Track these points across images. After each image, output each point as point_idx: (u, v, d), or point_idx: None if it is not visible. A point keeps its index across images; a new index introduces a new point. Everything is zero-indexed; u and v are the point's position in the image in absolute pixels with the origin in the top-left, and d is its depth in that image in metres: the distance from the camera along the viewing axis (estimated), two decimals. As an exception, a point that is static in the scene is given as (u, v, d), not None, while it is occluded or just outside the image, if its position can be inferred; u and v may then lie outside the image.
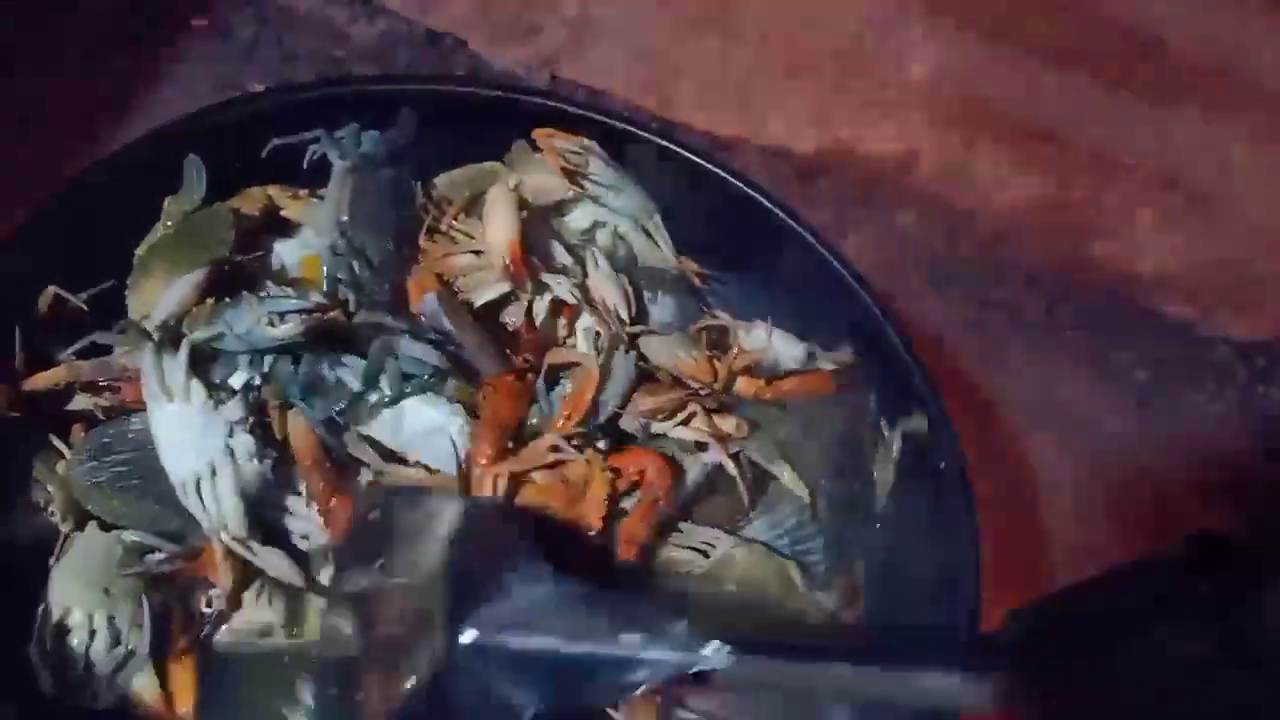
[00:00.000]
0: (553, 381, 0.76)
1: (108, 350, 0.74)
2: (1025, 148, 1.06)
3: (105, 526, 0.71)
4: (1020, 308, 1.05)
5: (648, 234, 0.85)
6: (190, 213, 0.78)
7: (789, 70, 1.05)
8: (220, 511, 0.69)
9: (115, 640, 0.68)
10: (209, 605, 0.70)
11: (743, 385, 0.78)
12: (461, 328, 0.74)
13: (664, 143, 0.84)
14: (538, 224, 0.82)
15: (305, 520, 0.73)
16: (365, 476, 0.74)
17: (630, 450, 0.75)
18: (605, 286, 0.80)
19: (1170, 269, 1.06)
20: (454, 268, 0.78)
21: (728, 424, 0.76)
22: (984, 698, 0.53)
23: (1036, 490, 0.98)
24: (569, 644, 0.57)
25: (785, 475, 0.76)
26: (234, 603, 0.70)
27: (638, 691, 0.57)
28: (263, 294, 0.74)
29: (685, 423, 0.76)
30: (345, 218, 0.78)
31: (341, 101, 0.82)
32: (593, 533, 0.70)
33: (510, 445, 0.72)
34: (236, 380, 0.71)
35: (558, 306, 0.79)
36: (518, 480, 0.72)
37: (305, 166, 0.80)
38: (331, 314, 0.73)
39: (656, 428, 0.76)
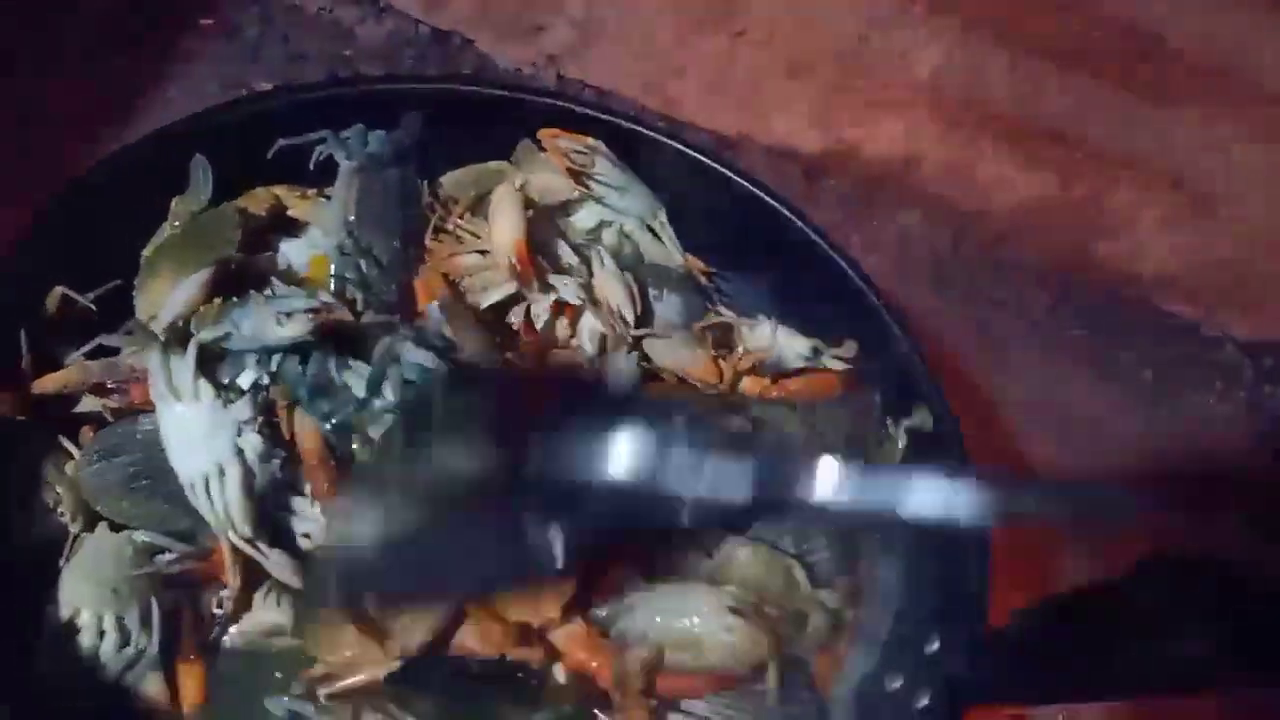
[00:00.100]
0: (555, 384, 0.76)
1: (115, 351, 0.74)
2: (1028, 148, 1.06)
3: (115, 527, 0.71)
4: (1023, 307, 1.06)
5: (653, 233, 0.85)
6: (197, 213, 0.78)
7: (793, 70, 1.05)
8: (228, 511, 0.69)
9: (124, 641, 0.68)
10: (219, 606, 0.71)
11: (748, 385, 0.78)
12: (464, 337, 0.75)
13: (670, 142, 0.84)
14: (543, 224, 0.82)
15: (309, 520, 0.73)
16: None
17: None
18: (610, 287, 0.80)
19: (1172, 269, 1.06)
20: (460, 268, 0.78)
21: (732, 424, 0.76)
22: None
23: (1039, 488, 0.98)
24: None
25: (790, 475, 0.76)
26: (243, 603, 0.71)
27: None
28: (270, 293, 0.75)
29: (690, 423, 0.76)
30: (352, 217, 0.78)
31: (348, 101, 0.82)
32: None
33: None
34: (245, 380, 0.71)
35: (561, 307, 0.79)
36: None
37: (312, 167, 0.81)
38: (339, 313, 0.73)
39: (661, 428, 0.77)
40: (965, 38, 1.07)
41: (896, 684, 0.70)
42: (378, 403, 0.72)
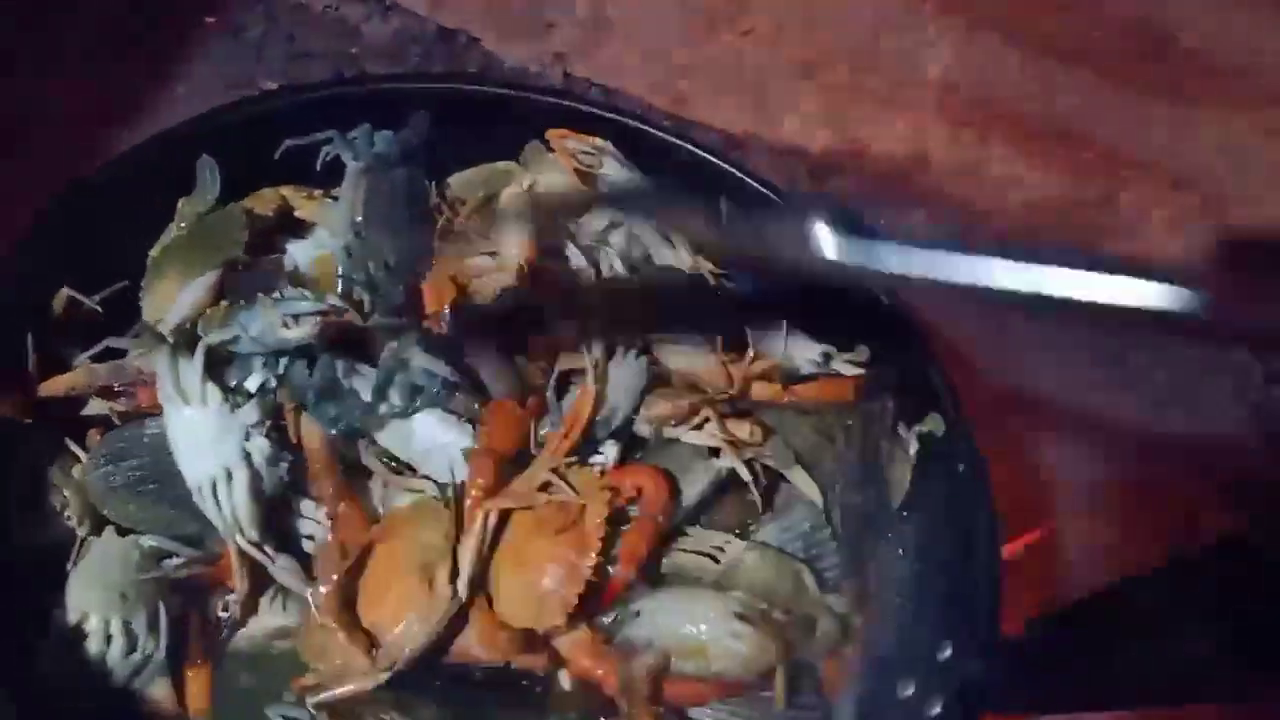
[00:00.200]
0: (563, 388, 0.76)
1: (122, 354, 0.74)
2: (1038, 147, 1.06)
3: (122, 531, 0.71)
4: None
5: (661, 234, 0.84)
6: (204, 214, 0.78)
7: (802, 69, 1.05)
8: (236, 515, 0.69)
9: (131, 645, 0.68)
10: (225, 610, 0.70)
11: (759, 390, 0.78)
12: (473, 343, 0.74)
13: (678, 141, 0.84)
14: (552, 225, 0.82)
15: (313, 522, 0.73)
16: (376, 483, 0.75)
17: (627, 468, 0.75)
18: (620, 289, 0.80)
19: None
20: (470, 271, 0.78)
21: (742, 429, 0.76)
22: None
23: (1051, 490, 0.97)
24: None
25: (800, 480, 0.76)
26: (250, 607, 0.70)
27: None
28: (277, 295, 0.74)
29: (698, 428, 0.76)
30: (359, 218, 0.78)
31: (355, 101, 0.82)
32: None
33: (510, 470, 0.72)
34: (252, 383, 0.71)
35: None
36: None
37: (319, 167, 0.80)
38: (347, 316, 0.73)
39: (669, 433, 0.76)
40: (975, 37, 1.06)
41: (908, 691, 0.69)
42: (384, 407, 0.72)
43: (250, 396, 0.71)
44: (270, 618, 0.71)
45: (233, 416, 0.69)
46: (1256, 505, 0.97)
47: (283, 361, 0.72)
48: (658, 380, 0.78)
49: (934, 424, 0.76)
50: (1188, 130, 1.04)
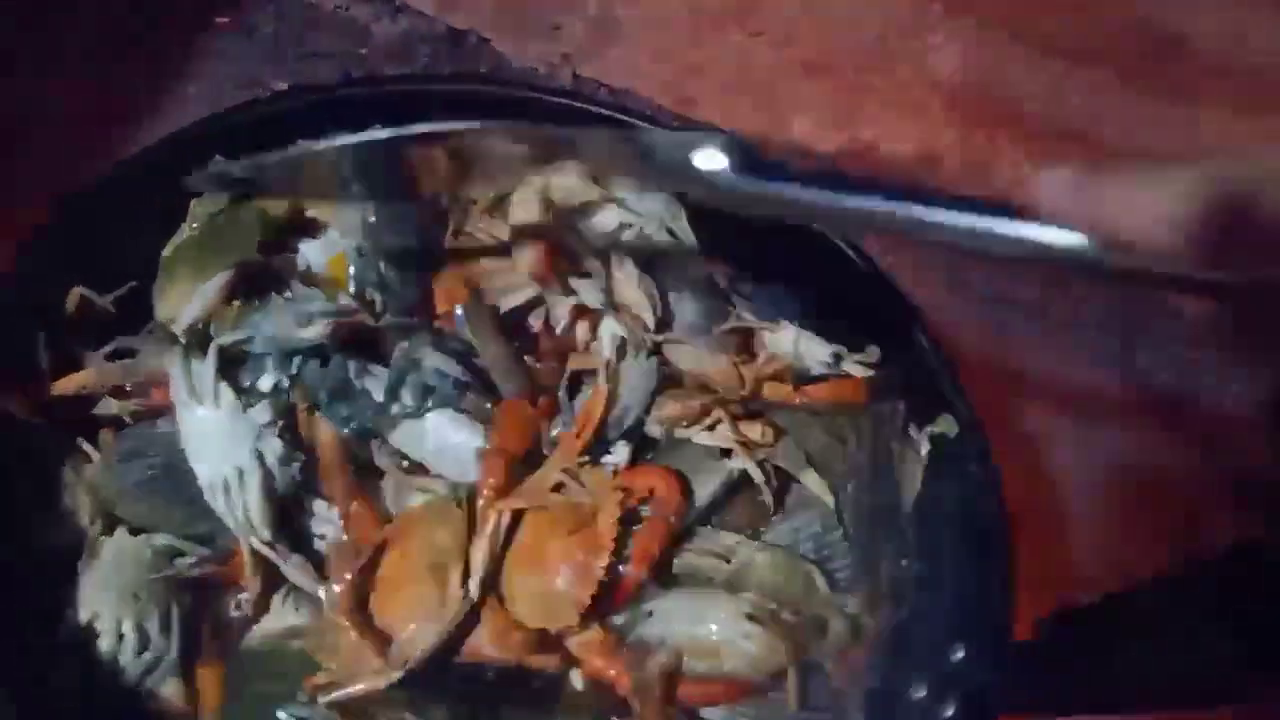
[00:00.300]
0: (575, 388, 0.76)
1: (134, 354, 0.74)
2: (1048, 147, 1.05)
3: (134, 530, 0.71)
4: (1043, 308, 1.05)
5: (673, 235, 0.84)
6: (216, 214, 0.78)
7: (811, 70, 1.05)
8: (248, 515, 0.69)
9: (144, 645, 0.68)
10: (237, 609, 0.70)
11: (770, 391, 0.78)
12: (485, 343, 0.74)
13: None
14: (563, 226, 0.81)
15: (325, 522, 0.73)
16: (388, 482, 0.75)
17: (639, 468, 0.75)
18: (630, 290, 0.80)
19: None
20: (481, 272, 0.78)
21: (753, 430, 0.76)
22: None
23: (1059, 491, 0.97)
24: None
25: (811, 482, 0.76)
26: (262, 607, 0.70)
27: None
28: (289, 295, 0.74)
29: (710, 429, 0.76)
30: (372, 219, 0.78)
31: (366, 101, 0.81)
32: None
33: (522, 470, 0.72)
34: (265, 383, 0.71)
35: (581, 310, 0.79)
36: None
37: (330, 167, 0.80)
38: (359, 316, 0.73)
39: (680, 433, 0.76)
40: (984, 37, 1.06)
41: (920, 693, 0.69)
42: (396, 407, 0.72)
43: (263, 396, 0.71)
44: (282, 617, 0.71)
45: (245, 416, 0.70)
46: (1265, 506, 0.97)
47: (295, 361, 0.72)
48: (669, 381, 0.78)
49: (946, 425, 0.76)
50: (1198, 130, 1.04)
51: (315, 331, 0.71)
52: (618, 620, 0.72)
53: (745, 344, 0.81)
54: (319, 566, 0.72)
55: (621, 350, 0.77)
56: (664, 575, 0.73)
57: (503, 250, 0.79)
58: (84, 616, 0.68)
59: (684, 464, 0.75)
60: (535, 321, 0.79)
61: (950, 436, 0.76)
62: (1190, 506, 0.97)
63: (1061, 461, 0.97)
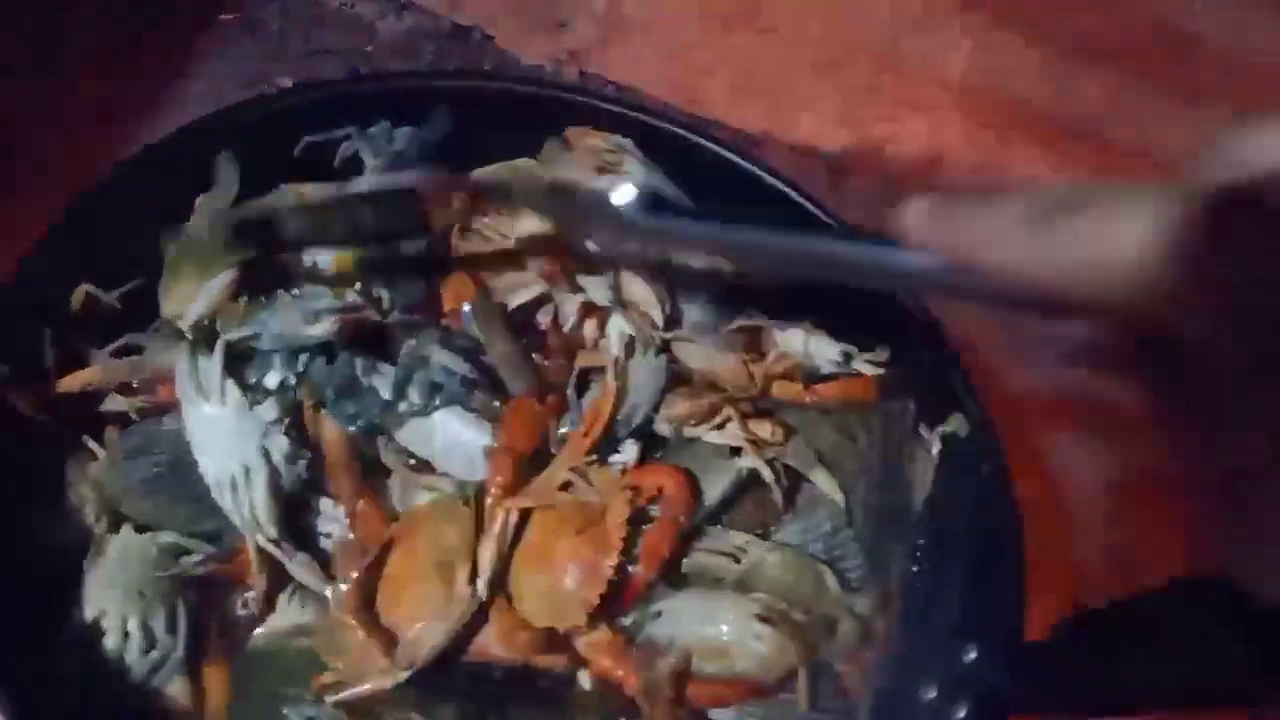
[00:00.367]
0: (583, 386, 0.75)
1: (141, 350, 0.73)
2: (1059, 147, 1.05)
3: (140, 528, 0.70)
4: (1052, 309, 1.04)
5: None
6: (222, 210, 0.77)
7: (820, 68, 1.05)
8: (255, 513, 0.68)
9: (150, 644, 0.67)
10: (244, 607, 0.70)
11: (780, 389, 0.77)
12: (492, 340, 0.74)
13: (696, 139, 0.83)
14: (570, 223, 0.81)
15: (332, 520, 0.73)
16: (395, 481, 0.74)
17: (648, 467, 0.74)
18: (638, 287, 0.79)
19: (1204, 270, 1.05)
20: (488, 268, 0.77)
21: (763, 429, 0.75)
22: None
23: (1068, 492, 0.97)
24: None
25: (822, 481, 0.75)
26: (268, 605, 0.70)
27: None
28: (296, 292, 0.74)
29: (720, 427, 0.75)
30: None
31: (374, 97, 0.81)
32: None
33: (530, 468, 0.72)
34: (271, 380, 0.71)
35: (589, 308, 0.78)
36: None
37: (336, 164, 0.79)
38: (366, 313, 0.72)
39: (690, 432, 0.76)
40: (995, 36, 1.06)
41: (930, 695, 0.69)
42: (403, 405, 0.72)
43: (269, 394, 0.70)
44: (289, 615, 0.70)
45: (252, 414, 0.69)
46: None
47: (302, 359, 0.71)
48: (678, 379, 0.77)
49: (957, 425, 0.75)
50: (1209, 131, 1.03)
51: (322, 328, 0.70)
52: (626, 620, 0.72)
53: (755, 342, 0.81)
54: (325, 565, 0.71)
55: (630, 348, 0.76)
56: (673, 575, 0.73)
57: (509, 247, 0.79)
58: (89, 614, 0.67)
59: (693, 463, 0.74)
60: (543, 319, 0.79)
61: (961, 436, 0.75)
62: (1200, 508, 0.96)
63: (1073, 461, 0.97)
